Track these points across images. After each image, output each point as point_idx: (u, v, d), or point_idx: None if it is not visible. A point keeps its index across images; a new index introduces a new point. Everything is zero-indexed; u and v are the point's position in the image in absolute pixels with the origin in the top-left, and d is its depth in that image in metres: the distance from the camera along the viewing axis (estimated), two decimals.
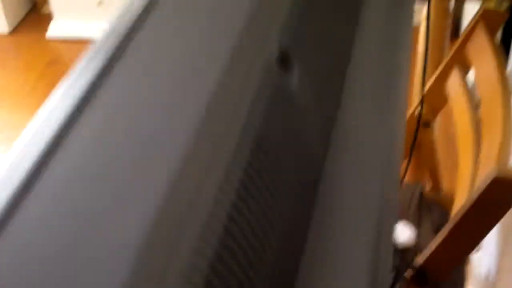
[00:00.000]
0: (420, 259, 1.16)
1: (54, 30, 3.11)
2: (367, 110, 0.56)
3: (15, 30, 3.18)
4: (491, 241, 1.53)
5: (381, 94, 0.59)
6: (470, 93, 1.55)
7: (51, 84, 2.81)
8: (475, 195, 1.18)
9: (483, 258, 1.56)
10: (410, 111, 1.69)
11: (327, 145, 0.51)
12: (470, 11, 2.03)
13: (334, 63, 0.58)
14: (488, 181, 1.15)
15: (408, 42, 0.70)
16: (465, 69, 1.60)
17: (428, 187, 1.73)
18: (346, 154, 0.51)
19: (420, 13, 1.61)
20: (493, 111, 1.38)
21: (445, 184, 1.75)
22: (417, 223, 1.47)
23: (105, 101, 0.35)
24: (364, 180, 0.49)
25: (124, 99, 0.35)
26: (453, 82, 1.62)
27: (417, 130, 1.30)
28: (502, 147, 1.22)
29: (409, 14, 0.72)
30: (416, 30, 2.10)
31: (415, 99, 1.71)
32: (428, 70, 1.72)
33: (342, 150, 0.52)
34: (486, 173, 1.17)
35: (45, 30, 3.14)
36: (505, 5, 1.48)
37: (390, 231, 0.47)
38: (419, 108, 1.69)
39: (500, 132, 1.29)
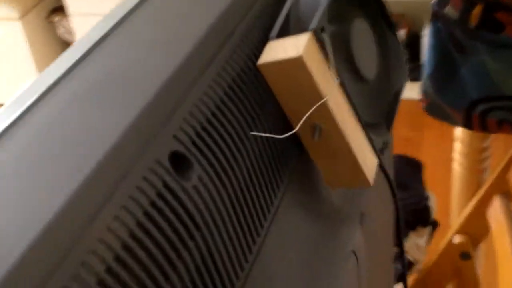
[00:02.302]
0: None
1: None
2: None
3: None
4: None
5: None
6: None
7: None
8: None
9: None
10: (447, 239, 1.43)
11: None
12: None
13: None
14: None
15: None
16: (508, 198, 1.33)
17: None
18: None
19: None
20: None
21: None
22: None
23: None
24: None
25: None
26: (494, 212, 1.35)
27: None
28: None
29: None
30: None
31: (454, 223, 1.44)
32: (467, 192, 1.45)
33: None
34: None
35: None
36: None
37: None
38: (456, 236, 1.42)
39: None
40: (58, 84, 0.39)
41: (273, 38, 0.46)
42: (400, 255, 0.71)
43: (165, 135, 0.36)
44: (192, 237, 0.36)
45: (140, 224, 0.33)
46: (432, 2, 0.93)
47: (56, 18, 2.73)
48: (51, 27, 2.81)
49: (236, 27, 0.44)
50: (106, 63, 0.40)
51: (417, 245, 1.54)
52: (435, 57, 0.99)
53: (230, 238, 0.39)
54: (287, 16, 0.48)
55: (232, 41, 0.43)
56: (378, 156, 0.49)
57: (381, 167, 0.51)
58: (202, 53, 0.40)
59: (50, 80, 0.40)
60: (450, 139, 2.18)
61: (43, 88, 0.39)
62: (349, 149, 0.46)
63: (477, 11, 0.86)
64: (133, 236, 0.32)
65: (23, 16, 2.58)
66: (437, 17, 0.94)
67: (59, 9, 2.76)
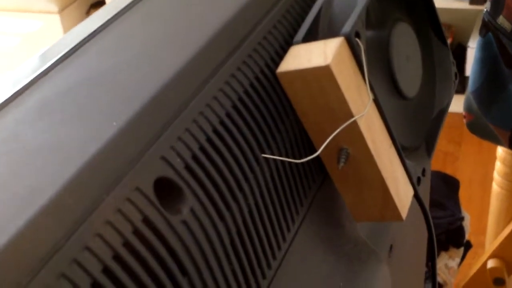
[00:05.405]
0: None
1: None
2: None
3: None
4: None
5: None
6: None
7: None
8: None
9: None
10: (480, 262, 1.33)
11: None
12: None
13: None
14: None
15: None
16: None
17: None
18: None
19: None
20: None
21: None
22: None
23: None
24: None
25: None
26: None
27: None
28: None
29: None
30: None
31: (489, 247, 1.34)
32: (505, 214, 1.35)
33: None
34: None
35: None
36: None
37: None
38: (490, 260, 1.33)
39: None
40: (26, 91, 0.32)
41: (298, 42, 0.38)
42: (432, 277, 0.63)
43: (151, 157, 0.28)
44: (177, 286, 0.28)
45: (108, 271, 0.25)
46: (484, 11, 0.84)
47: None
48: None
49: (253, 28, 0.36)
50: (95, 61, 0.33)
51: (447, 266, 1.44)
52: (482, 71, 0.90)
53: (228, 285, 0.31)
54: (317, 16, 0.40)
55: (247, 44, 0.35)
56: (414, 187, 0.41)
57: (417, 198, 0.43)
58: (207, 57, 0.33)
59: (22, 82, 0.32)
60: (489, 155, 2.07)
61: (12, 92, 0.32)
62: (381, 178, 0.38)
63: None
64: (99, 286, 0.25)
65: (62, 9, 2.54)
66: (488, 28, 0.84)
67: (100, 4, 2.72)
